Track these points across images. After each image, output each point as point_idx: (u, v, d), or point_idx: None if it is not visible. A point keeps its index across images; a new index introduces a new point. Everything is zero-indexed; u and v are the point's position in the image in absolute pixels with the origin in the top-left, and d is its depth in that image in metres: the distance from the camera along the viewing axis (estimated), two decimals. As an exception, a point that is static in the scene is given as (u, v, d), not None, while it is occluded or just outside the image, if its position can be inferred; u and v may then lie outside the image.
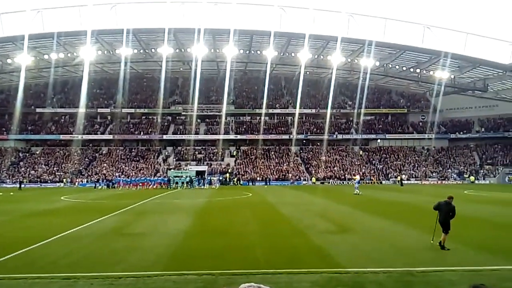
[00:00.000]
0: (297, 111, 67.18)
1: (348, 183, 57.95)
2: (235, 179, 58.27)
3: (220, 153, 66.76)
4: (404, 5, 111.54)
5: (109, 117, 71.27)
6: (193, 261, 10.40)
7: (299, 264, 9.89)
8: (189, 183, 51.10)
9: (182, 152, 66.53)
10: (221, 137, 67.45)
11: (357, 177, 40.20)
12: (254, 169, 62.69)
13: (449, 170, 63.50)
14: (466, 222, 17.65)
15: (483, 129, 68.55)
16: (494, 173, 61.17)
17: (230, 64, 58.75)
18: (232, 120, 71.86)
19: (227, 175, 59.16)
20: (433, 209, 12.48)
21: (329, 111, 65.58)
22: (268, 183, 57.19)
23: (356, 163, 65.72)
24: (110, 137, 67.78)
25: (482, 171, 62.26)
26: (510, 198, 30.78)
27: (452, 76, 60.91)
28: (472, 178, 58.99)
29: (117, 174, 59.09)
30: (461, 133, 68.86)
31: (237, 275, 8.99)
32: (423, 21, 58.94)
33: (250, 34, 54.69)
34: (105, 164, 63.00)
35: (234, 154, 67.11)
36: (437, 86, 60.48)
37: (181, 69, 70.49)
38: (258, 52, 58.62)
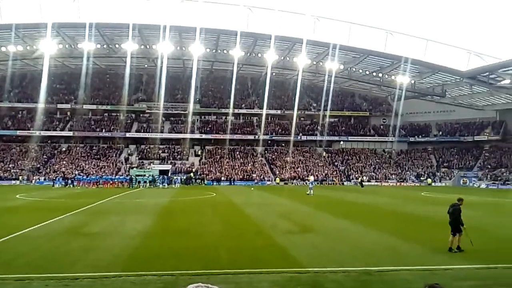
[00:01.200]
0: (264, 111, 67.50)
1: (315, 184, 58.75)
2: (200, 179, 57.86)
3: (184, 152, 66.09)
4: (368, 10, 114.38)
5: (69, 113, 68.95)
6: (153, 262, 10.22)
7: (261, 264, 9.92)
8: (152, 182, 50.27)
9: (145, 151, 65.36)
10: (186, 136, 66.77)
11: (311, 178, 40.56)
12: (219, 168, 62.46)
13: (408, 172, 65.59)
14: (423, 223, 18.34)
15: (440, 133, 71.27)
16: (450, 175, 63.66)
17: (196, 62, 58.28)
18: (197, 119, 71.28)
19: (191, 174, 58.64)
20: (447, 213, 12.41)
21: (295, 112, 66.30)
22: (231, 183, 57.21)
23: (319, 164, 66.74)
24: (70, 133, 65.61)
25: (438, 173, 64.67)
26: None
27: (413, 81, 62.90)
28: (429, 180, 61.17)
29: (76, 172, 57.28)
30: (420, 136, 71.31)
31: (198, 275, 8.91)
32: (386, 27, 60.48)
33: (217, 33, 54.46)
34: (64, 162, 60.90)
35: (199, 153, 66.59)
36: (398, 90, 62.30)
37: (146, 66, 69.25)
38: (225, 51, 58.46)
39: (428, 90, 65.38)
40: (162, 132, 67.24)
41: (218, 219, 19.05)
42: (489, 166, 62.46)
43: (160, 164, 61.12)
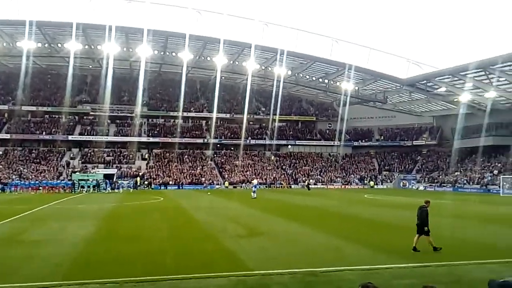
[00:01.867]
0: (213, 115, 67.32)
1: (259, 187, 59.26)
2: (147, 183, 56.59)
3: (131, 155, 64.37)
4: (315, 18, 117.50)
5: (6, 115, 64.99)
6: (96, 269, 9.89)
7: (209, 268, 9.88)
8: (96, 187, 48.49)
9: (89, 154, 62.89)
10: (133, 139, 65.11)
11: (255, 181, 41.14)
12: (167, 172, 61.43)
13: (352, 175, 67.95)
14: (365, 224, 19.09)
15: (382, 138, 74.61)
16: (391, 178, 66.71)
17: (144, 64, 57.04)
18: (144, 122, 69.72)
19: (138, 178, 57.23)
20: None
21: (244, 116, 66.65)
22: (180, 187, 56.50)
23: (268, 168, 67.50)
24: (7, 136, 61.63)
25: (380, 176, 67.57)
26: (402, 202, 33.79)
27: (356, 88, 65.32)
28: (371, 183, 63.74)
29: (14, 176, 54.03)
30: (363, 141, 74.30)
31: (144, 282, 8.75)
32: (332, 35, 62.44)
33: (165, 35, 53.65)
34: (0, 166, 57.27)
35: (146, 157, 65.12)
36: (343, 96, 64.42)
37: (91, 66, 66.80)
38: (174, 54, 57.71)
39: (371, 97, 68.14)
40: (107, 135, 65.13)
41: (165, 224, 18.75)
42: (427, 169, 66.10)
43: (105, 168, 59.07)
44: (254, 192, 36.49)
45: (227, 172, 64.16)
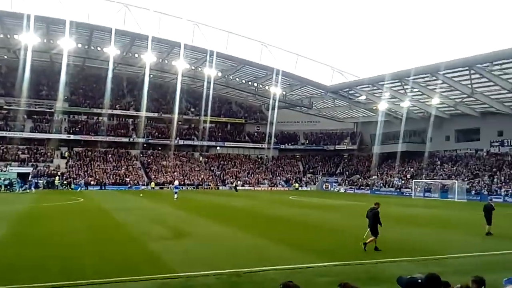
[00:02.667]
0: (142, 114, 65.43)
1: (187, 189, 58.75)
2: (66, 183, 53.50)
3: (49, 153, 60.42)
4: (245, 22, 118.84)
5: None
6: (6, 274, 9.23)
7: (131, 271, 9.65)
8: (9, 186, 44.93)
9: (2, 151, 58.02)
10: (51, 136, 61.16)
11: (176, 182, 41.13)
12: (89, 172, 58.55)
13: (278, 177, 69.70)
14: (289, 225, 19.74)
15: (307, 142, 77.50)
16: (314, 181, 69.43)
17: (66, 57, 53.76)
18: (65, 119, 65.79)
19: (56, 178, 53.91)
20: (366, 217, 13.51)
21: (176, 116, 65.49)
22: (102, 187, 54.22)
23: (196, 169, 66.99)
24: None
25: (305, 179, 70.04)
26: (324, 203, 35.40)
27: (284, 92, 67.04)
28: (296, 185, 65.85)
29: None
30: (289, 144, 76.62)
31: (59, 287, 8.35)
32: (262, 39, 63.50)
33: (90, 28, 51.10)
34: None
35: (66, 155, 61.52)
36: (272, 100, 65.79)
37: (6, 56, 61.71)
38: (99, 48, 55.14)
39: (297, 102, 70.32)
40: (22, 131, 60.55)
41: (85, 226, 17.87)
42: (347, 173, 69.69)
43: (19, 166, 54.88)
44: (175, 193, 36.30)
45: (153, 172, 62.65)
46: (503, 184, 46.26)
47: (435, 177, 53.45)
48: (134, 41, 53.68)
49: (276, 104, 65.65)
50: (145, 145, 68.20)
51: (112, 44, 50.68)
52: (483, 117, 53.59)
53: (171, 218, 21.77)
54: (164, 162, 65.78)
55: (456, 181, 47.82)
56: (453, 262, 11.54)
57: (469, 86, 45.83)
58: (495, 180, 47.67)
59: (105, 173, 59.15)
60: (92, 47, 55.52)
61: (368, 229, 13.18)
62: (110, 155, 64.36)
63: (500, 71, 41.37)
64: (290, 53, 62.17)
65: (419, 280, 3.65)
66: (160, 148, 69.28)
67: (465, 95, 49.01)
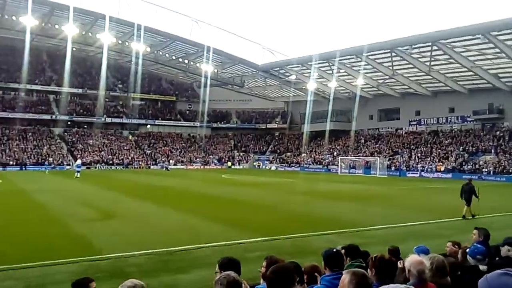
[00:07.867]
0: (66, 89, 61.60)
1: (116, 168, 56.88)
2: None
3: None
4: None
5: None
6: None
7: (56, 255, 9.18)
8: None
9: None
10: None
11: (78, 161, 40.77)
12: (7, 152, 54.37)
13: (211, 156, 69.62)
14: (222, 203, 19.93)
15: (239, 120, 77.87)
16: (246, 159, 70.29)
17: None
18: (-24, 94, 60.23)
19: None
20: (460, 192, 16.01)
21: (102, 92, 62.36)
22: (22, 168, 50.79)
23: (126, 148, 64.83)
24: None
25: (237, 157, 70.65)
26: (256, 181, 36.11)
27: (216, 70, 66.43)
28: (229, 163, 66.27)
29: None
30: (222, 123, 76.56)
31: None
32: (192, 15, 62.01)
33: (3, -5, 46.67)
34: None
35: (-22, 134, 56.58)
36: (203, 78, 64.99)
37: None
38: (14, 17, 50.54)
39: (229, 80, 70.12)
40: None
41: (2, 209, 16.67)
42: (278, 151, 71.35)
43: None
44: (78, 172, 36.72)
45: (79, 152, 59.63)
46: (420, 160, 50.08)
47: (359, 154, 56.50)
48: (53, 11, 49.80)
49: (208, 82, 65.06)
50: (69, 123, 64.56)
51: (29, 13, 46.66)
52: (403, 97, 57.27)
53: (99, 199, 21.00)
54: (91, 141, 62.87)
55: (378, 158, 50.99)
56: (374, 233, 12.40)
57: (391, 68, 48.64)
58: (413, 156, 51.45)
59: (25, 153, 55.30)
60: (6, 16, 50.82)
61: (465, 206, 15.37)
62: (30, 134, 60.15)
63: (419, 54, 44.26)
64: (222, 30, 61.56)
65: (334, 250, 3.89)
66: (86, 126, 65.99)
67: (387, 77, 51.94)
